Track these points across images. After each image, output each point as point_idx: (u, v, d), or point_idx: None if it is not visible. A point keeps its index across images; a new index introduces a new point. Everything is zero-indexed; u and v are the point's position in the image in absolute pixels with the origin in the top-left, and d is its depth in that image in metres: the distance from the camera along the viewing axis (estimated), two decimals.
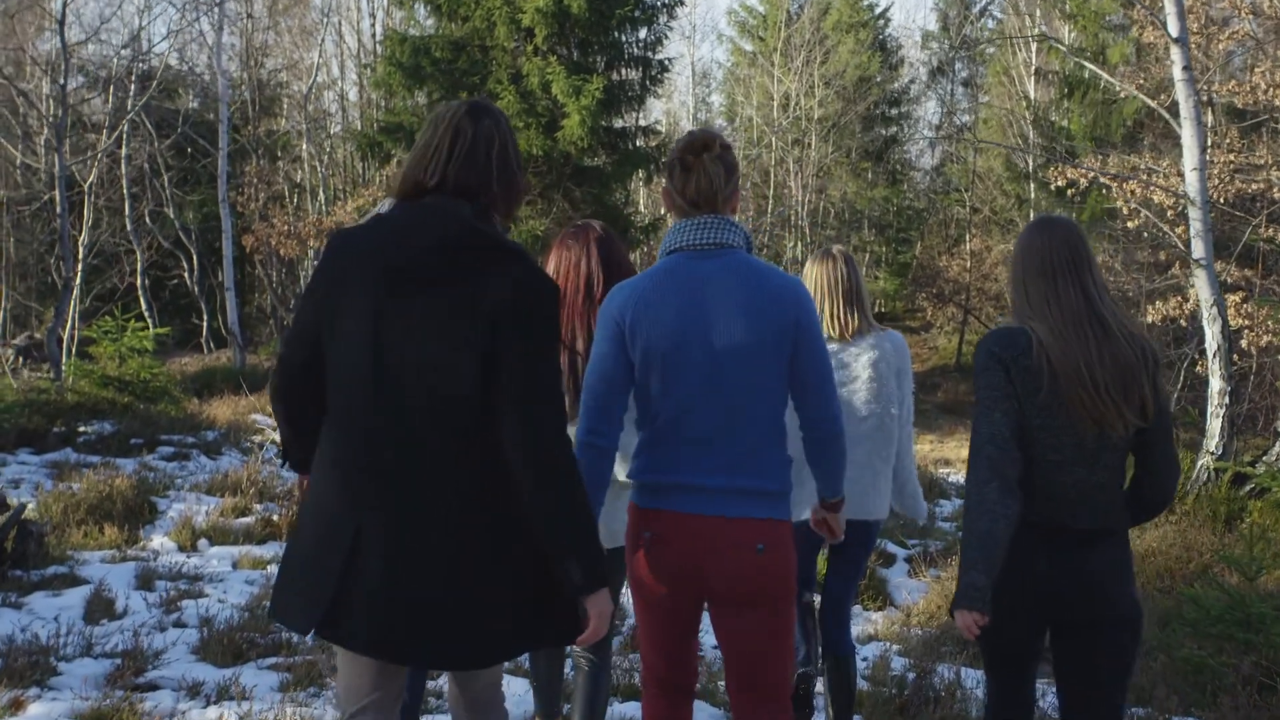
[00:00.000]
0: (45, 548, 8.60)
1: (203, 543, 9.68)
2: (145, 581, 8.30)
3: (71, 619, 7.16)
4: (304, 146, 36.10)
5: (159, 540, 9.67)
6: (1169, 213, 16.77)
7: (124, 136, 28.03)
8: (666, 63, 26.61)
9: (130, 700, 5.67)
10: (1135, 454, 3.89)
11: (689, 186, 3.87)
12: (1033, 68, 36.37)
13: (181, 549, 9.51)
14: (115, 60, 28.53)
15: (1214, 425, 11.49)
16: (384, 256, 3.26)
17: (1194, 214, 11.72)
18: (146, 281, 29.85)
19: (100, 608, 7.49)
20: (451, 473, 3.22)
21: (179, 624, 7.32)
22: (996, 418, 3.73)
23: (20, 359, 23.27)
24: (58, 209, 18.95)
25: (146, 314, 27.96)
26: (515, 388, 3.17)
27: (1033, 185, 34.84)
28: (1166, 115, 13.21)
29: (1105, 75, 15.20)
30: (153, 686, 6.03)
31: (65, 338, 23.41)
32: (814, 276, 5.47)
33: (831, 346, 5.27)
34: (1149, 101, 13.81)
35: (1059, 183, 18.31)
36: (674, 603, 3.87)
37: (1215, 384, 11.52)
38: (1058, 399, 3.72)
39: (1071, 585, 3.77)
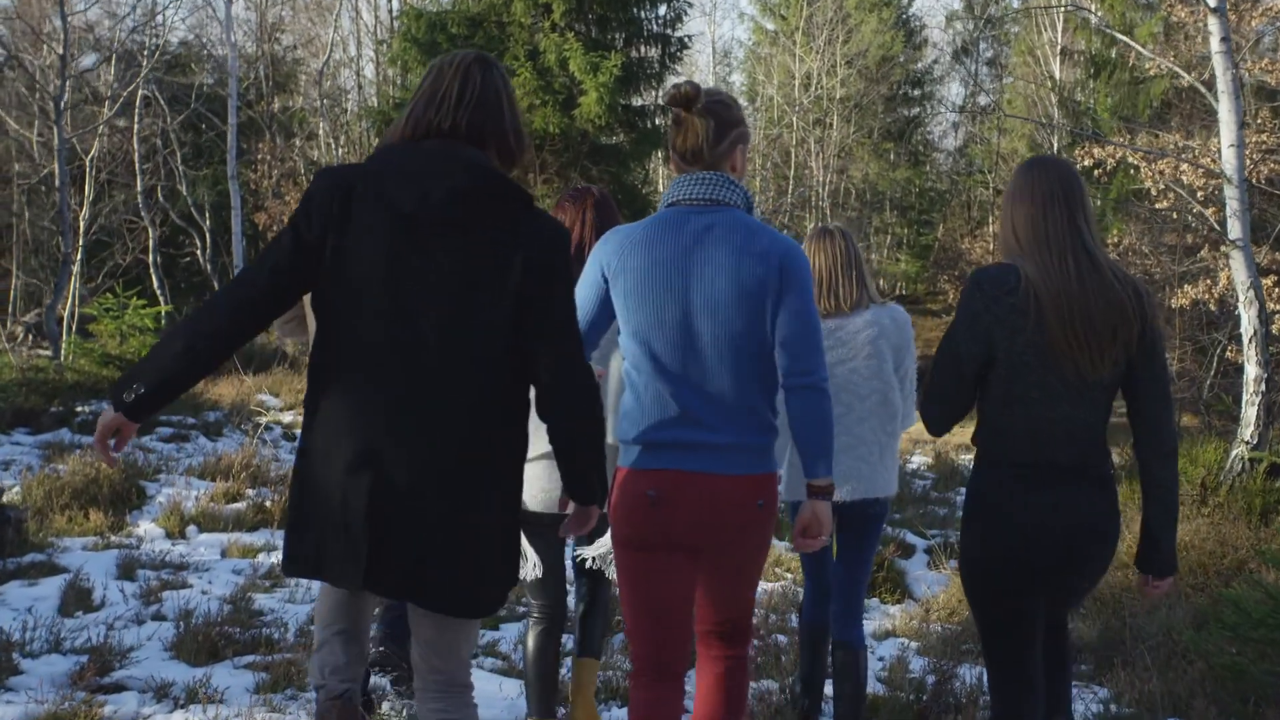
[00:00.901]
0: (24, 534, 8.25)
1: (191, 529, 9.32)
2: (127, 570, 7.94)
3: (45, 611, 6.81)
4: (320, 124, 35.76)
5: (145, 527, 9.31)
6: (1199, 194, 16.35)
7: (136, 112, 27.74)
8: (686, 40, 26.24)
9: (91, 703, 5.28)
10: (1126, 393, 3.87)
11: (677, 139, 3.91)
12: (1058, 47, 35.82)
13: (169, 536, 9.15)
14: (118, 30, 28.20)
15: (1249, 413, 11.02)
16: (397, 198, 3.24)
17: (1230, 193, 11.23)
18: (158, 259, 29.53)
19: (76, 599, 7.12)
20: (472, 416, 3.27)
21: (158, 617, 6.95)
22: (958, 363, 3.85)
23: (30, 336, 23.05)
24: (57, 182, 18.61)
25: (158, 292, 27.65)
26: (546, 329, 3.28)
27: None
28: (1203, 89, 12.72)
29: (1138, 47, 14.69)
30: (119, 687, 5.64)
31: (67, 315, 23.11)
32: (811, 253, 5.31)
33: (830, 323, 5.19)
34: (1184, 75, 13.30)
35: (1085, 162, 17.89)
36: (671, 566, 3.86)
37: (1251, 370, 11.06)
38: (1045, 336, 3.71)
39: (1055, 523, 3.78)
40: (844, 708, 5.34)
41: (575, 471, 3.50)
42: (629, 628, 3.99)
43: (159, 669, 5.86)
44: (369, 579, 3.27)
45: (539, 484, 4.65)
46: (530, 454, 4.47)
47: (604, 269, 3.84)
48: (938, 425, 4.03)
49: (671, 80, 26.38)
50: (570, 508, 3.71)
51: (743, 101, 47.10)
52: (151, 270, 28.80)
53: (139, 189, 28.16)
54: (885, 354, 5.24)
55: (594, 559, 4.88)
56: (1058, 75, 35.23)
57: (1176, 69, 13.38)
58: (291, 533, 3.41)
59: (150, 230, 28.93)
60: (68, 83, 24.75)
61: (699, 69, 47.71)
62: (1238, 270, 11.20)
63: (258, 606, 7.23)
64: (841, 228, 5.45)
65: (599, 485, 3.53)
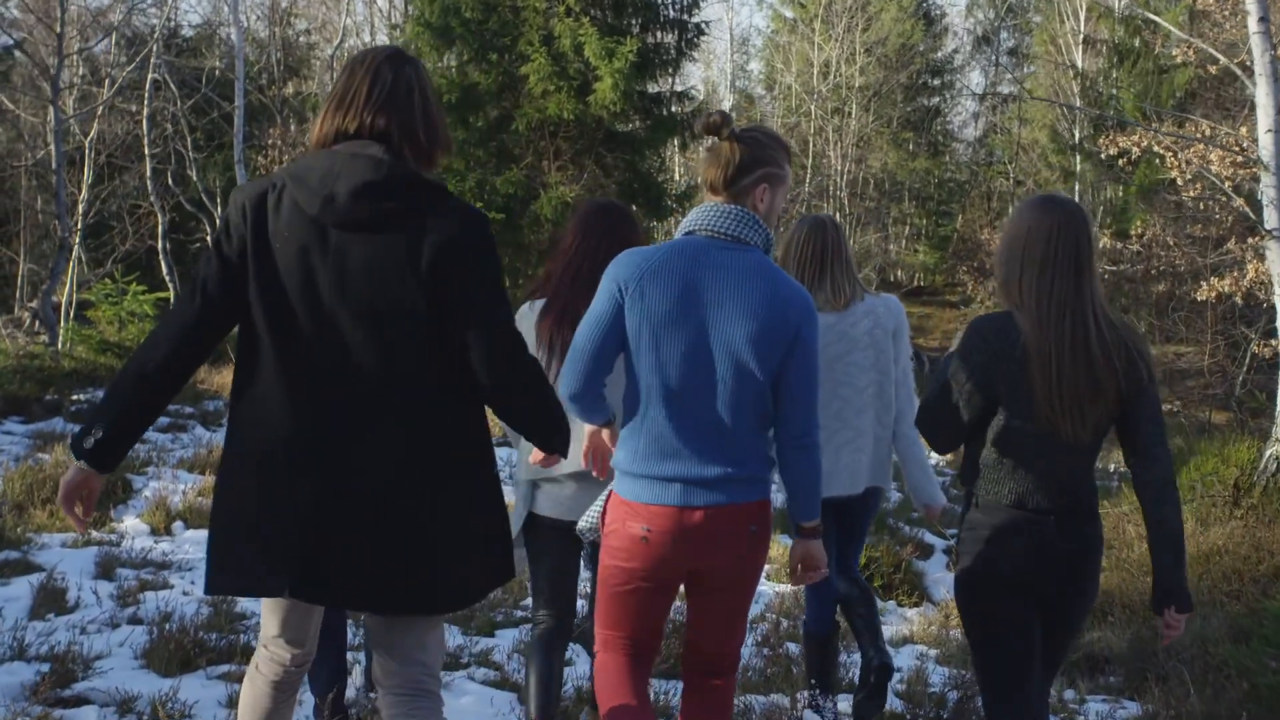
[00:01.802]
0: (0, 529, 7.87)
1: (177, 525, 8.96)
2: (106, 569, 7.56)
3: (15, 613, 6.44)
4: None
5: (130, 522, 8.94)
6: (1227, 184, 15.96)
7: (146, 95, 27.41)
8: (704, 26, 25.82)
9: (47, 718, 4.91)
10: (1122, 435, 3.86)
11: (702, 167, 3.92)
12: (1080, 36, 35.37)
13: (154, 532, 8.79)
14: (119, 8, 27.87)
15: None
16: (305, 205, 3.21)
17: (1266, 180, 10.77)
18: (168, 245, 29.16)
19: (48, 600, 6.75)
20: (404, 419, 3.23)
21: (134, 620, 6.57)
22: (959, 414, 3.86)
23: (36, 322, 22.79)
24: (53, 164, 18.27)
25: (167, 278, 27.31)
26: (473, 317, 3.22)
27: (1078, 157, 33.94)
28: (1240, 71, 12.26)
29: (1172, 28, 14.22)
30: (80, 700, 5.25)
31: (65, 301, 22.80)
32: (804, 244, 5.30)
33: (829, 318, 5.13)
34: (1220, 57, 12.83)
35: (1110, 151, 17.52)
36: (661, 586, 3.90)
37: None
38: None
39: (1047, 562, 3.81)
40: (860, 624, 5.59)
41: (536, 439, 3.53)
42: (603, 624, 4.03)
43: (126, 679, 5.47)
44: (302, 587, 3.26)
45: (557, 492, 4.69)
46: (535, 474, 4.66)
47: (621, 287, 3.74)
48: (942, 450, 4.09)
49: (690, 67, 26.09)
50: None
51: (760, 90, 46.90)
52: (160, 256, 28.44)
53: (147, 173, 27.80)
54: (884, 344, 5.29)
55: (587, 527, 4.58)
56: (1080, 64, 34.77)
57: (1212, 51, 12.91)
58: (219, 546, 3.36)
59: (159, 216, 28.57)
60: (77, 67, 24.40)
61: (716, 56, 47.39)
62: (1274, 261, 10.76)
63: (240, 609, 6.85)
64: (832, 219, 5.46)
65: (561, 441, 3.55)
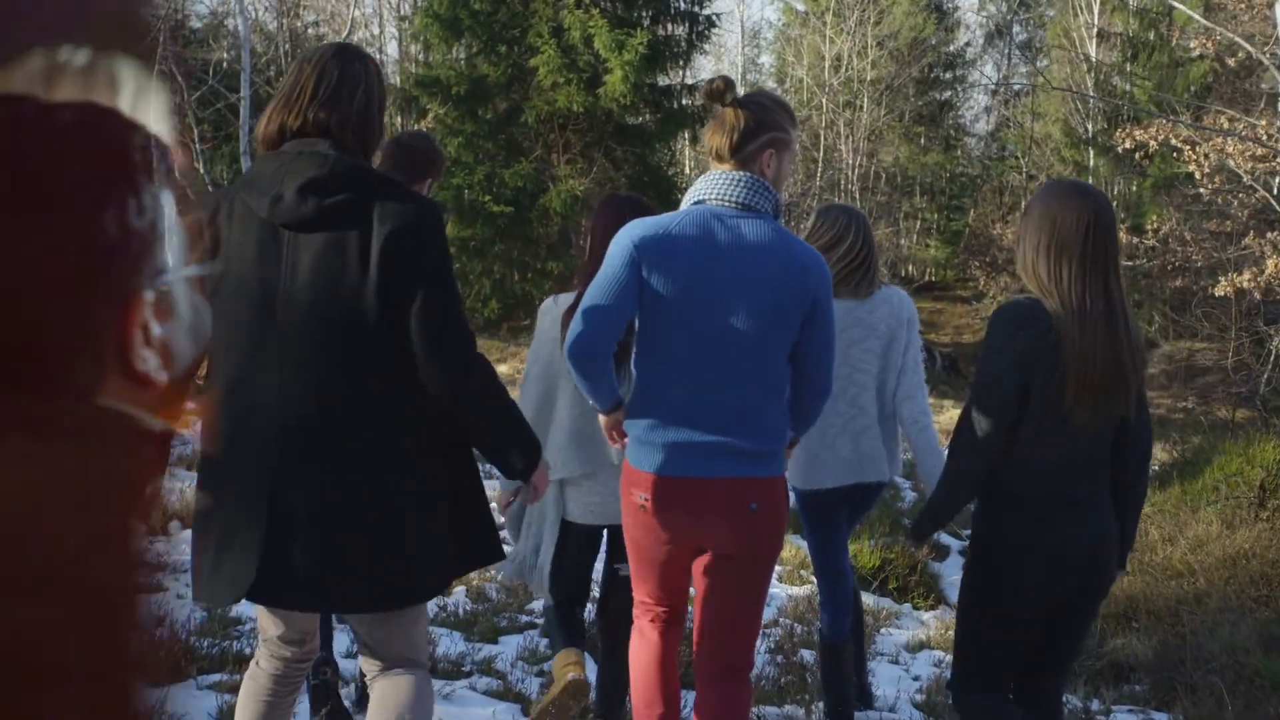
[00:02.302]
0: None
1: (174, 525, 8.72)
2: None
3: None
4: None
5: None
6: (1245, 178, 15.79)
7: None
8: (714, 18, 25.82)
9: None
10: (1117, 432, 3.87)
11: (707, 135, 3.91)
12: (1094, 29, 35.14)
13: (150, 532, 8.54)
14: None
15: None
16: (259, 209, 3.20)
17: None
18: None
19: None
20: (365, 415, 3.21)
21: None
22: (1008, 409, 3.73)
23: None
24: None
25: None
26: (420, 314, 3.17)
27: (1092, 151, 33.73)
28: (1266, 60, 12.03)
29: (1198, 18, 13.97)
30: None
31: None
32: (851, 235, 5.25)
33: (848, 303, 5.16)
34: (1246, 45, 12.60)
35: (1126, 144, 17.33)
36: (669, 554, 3.90)
37: None
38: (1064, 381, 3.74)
39: (1070, 553, 3.78)
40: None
41: (493, 452, 3.50)
42: (633, 576, 4.09)
43: None
44: (262, 592, 3.27)
45: (581, 496, 4.75)
46: (572, 471, 4.70)
47: (637, 249, 3.66)
48: (983, 472, 3.91)
49: (701, 60, 25.97)
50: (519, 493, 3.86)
51: (772, 83, 46.71)
52: None
53: None
54: (897, 331, 5.29)
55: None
56: (1094, 57, 34.54)
57: (1238, 39, 12.66)
58: (198, 556, 3.34)
59: None
60: None
61: (727, 49, 47.20)
62: None
63: (235, 613, 6.63)
64: (865, 215, 5.46)
65: (526, 459, 3.50)
